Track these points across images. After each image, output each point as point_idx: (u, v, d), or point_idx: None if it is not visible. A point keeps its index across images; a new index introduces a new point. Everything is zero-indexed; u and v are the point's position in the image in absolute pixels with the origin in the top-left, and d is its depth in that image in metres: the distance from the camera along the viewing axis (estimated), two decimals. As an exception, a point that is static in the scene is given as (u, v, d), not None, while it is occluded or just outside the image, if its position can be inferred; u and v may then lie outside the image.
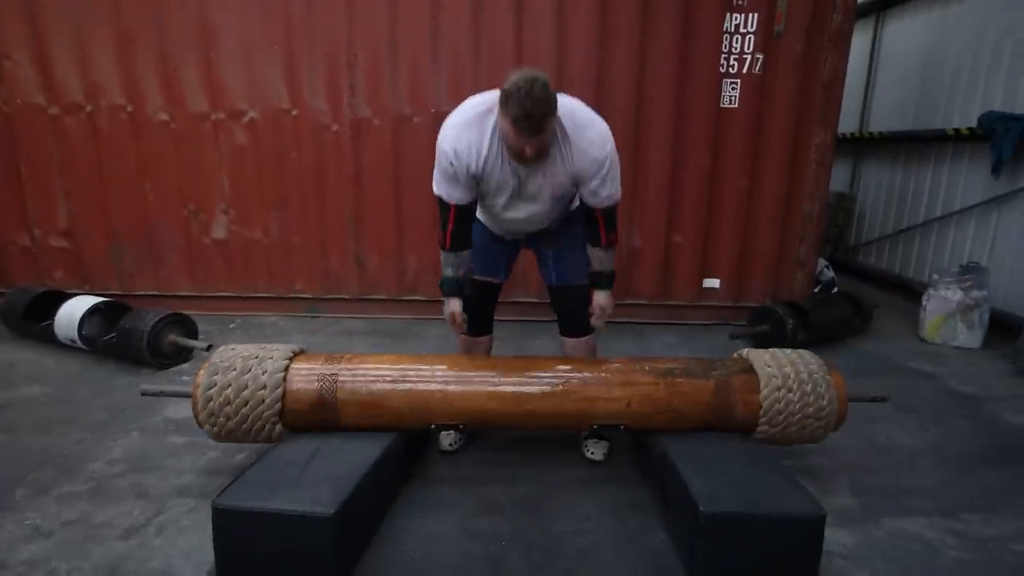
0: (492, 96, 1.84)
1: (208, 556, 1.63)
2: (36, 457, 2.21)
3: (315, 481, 1.65)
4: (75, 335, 3.11)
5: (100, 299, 3.22)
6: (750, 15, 3.52)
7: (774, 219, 3.79)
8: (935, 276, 3.76)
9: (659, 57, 3.58)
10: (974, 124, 3.96)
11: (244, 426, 1.94)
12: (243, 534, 1.56)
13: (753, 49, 3.57)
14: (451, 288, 2.08)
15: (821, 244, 4.16)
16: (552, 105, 1.69)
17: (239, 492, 1.61)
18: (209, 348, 3.04)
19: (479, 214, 2.19)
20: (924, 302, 3.73)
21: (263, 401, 1.91)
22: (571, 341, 2.32)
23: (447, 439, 2.29)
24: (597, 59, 3.57)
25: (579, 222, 2.15)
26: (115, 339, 3.04)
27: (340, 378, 1.98)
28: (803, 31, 3.54)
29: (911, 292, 4.50)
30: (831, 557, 1.73)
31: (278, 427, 1.96)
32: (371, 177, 3.77)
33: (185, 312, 3.29)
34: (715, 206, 3.79)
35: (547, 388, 2.01)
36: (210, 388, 1.92)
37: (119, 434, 2.41)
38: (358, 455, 1.81)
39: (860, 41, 5.36)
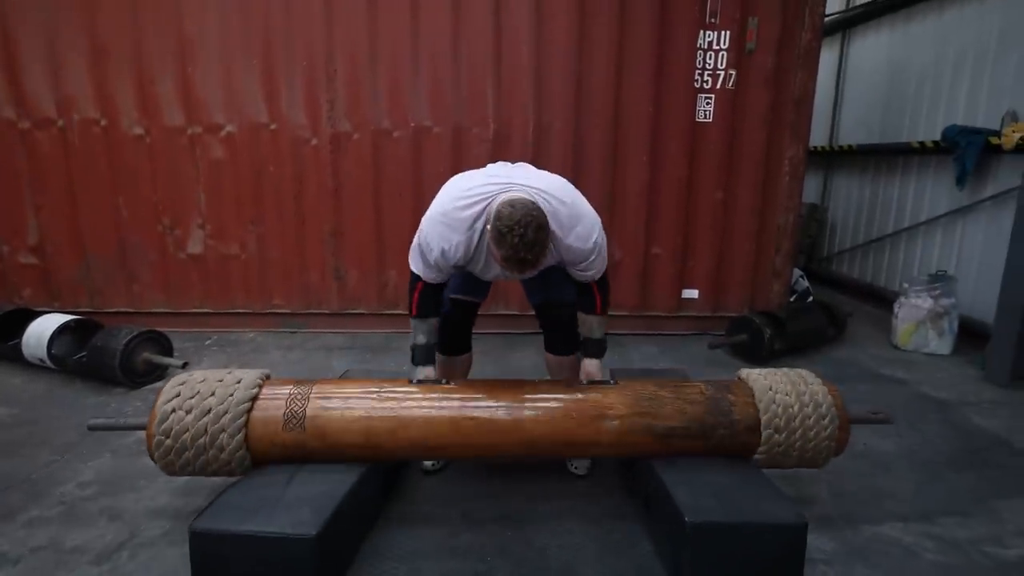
0: (478, 195, 1.81)
1: (184, 580, 1.59)
2: (2, 481, 2.13)
3: (295, 502, 1.62)
4: (44, 354, 3.02)
5: (70, 317, 3.14)
6: (722, 32, 3.62)
7: (750, 230, 3.86)
8: (905, 285, 3.87)
9: (635, 72, 3.65)
10: (938, 137, 4.11)
11: (202, 465, 1.79)
12: (221, 558, 1.53)
13: (726, 65, 3.66)
14: (422, 357, 2.05)
15: (795, 255, 4.25)
16: (545, 244, 1.70)
17: (217, 515, 1.57)
18: (185, 366, 2.98)
19: None
20: (896, 310, 3.83)
21: (224, 447, 1.76)
22: (555, 359, 2.31)
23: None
24: (575, 75, 3.63)
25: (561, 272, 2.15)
26: (86, 358, 2.96)
27: (308, 415, 1.82)
28: (773, 48, 3.64)
29: (883, 300, 4.61)
30: (814, 564, 1.75)
31: (245, 462, 1.81)
32: (351, 191, 3.75)
33: (160, 329, 3.22)
34: (692, 218, 3.85)
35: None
36: (165, 422, 1.76)
37: (90, 456, 2.33)
38: (338, 474, 1.78)
39: (828, 58, 5.53)
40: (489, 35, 3.57)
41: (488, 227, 1.75)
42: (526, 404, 1.90)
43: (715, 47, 3.64)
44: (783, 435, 1.88)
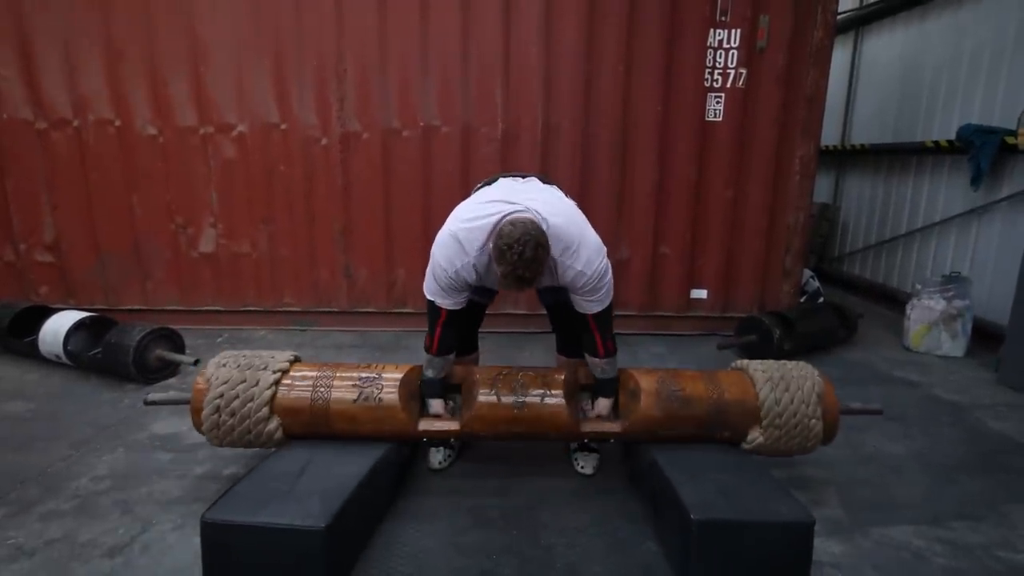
0: (486, 214, 1.86)
1: (195, 574, 1.61)
2: (19, 475, 2.17)
3: (305, 494, 1.64)
4: (60, 350, 3.07)
5: (85, 314, 3.19)
6: (733, 31, 3.60)
7: (759, 230, 3.84)
8: (918, 286, 3.83)
9: (645, 72, 3.64)
10: (953, 137, 4.06)
11: (241, 431, 1.97)
12: (232, 549, 1.55)
13: (736, 64, 3.64)
14: (434, 391, 2.11)
15: (806, 254, 4.21)
16: (543, 262, 1.76)
17: (228, 506, 1.59)
18: (197, 363, 3.02)
19: None
20: (908, 311, 3.79)
21: (258, 409, 1.95)
22: (567, 361, 2.30)
23: (436, 456, 2.27)
24: (584, 75, 3.62)
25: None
26: (100, 354, 3.01)
27: (334, 386, 2.00)
28: (785, 47, 3.61)
29: (895, 302, 4.56)
30: (821, 567, 1.74)
31: (277, 434, 1.97)
32: (360, 190, 3.78)
33: (172, 326, 3.26)
34: (701, 218, 3.84)
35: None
36: (214, 398, 1.96)
37: (104, 450, 2.37)
38: (348, 468, 1.80)
39: (840, 56, 5.48)
40: (498, 35, 3.58)
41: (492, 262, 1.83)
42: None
43: (725, 45, 3.62)
44: (782, 419, 1.96)
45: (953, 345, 3.63)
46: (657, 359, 3.54)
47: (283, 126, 3.71)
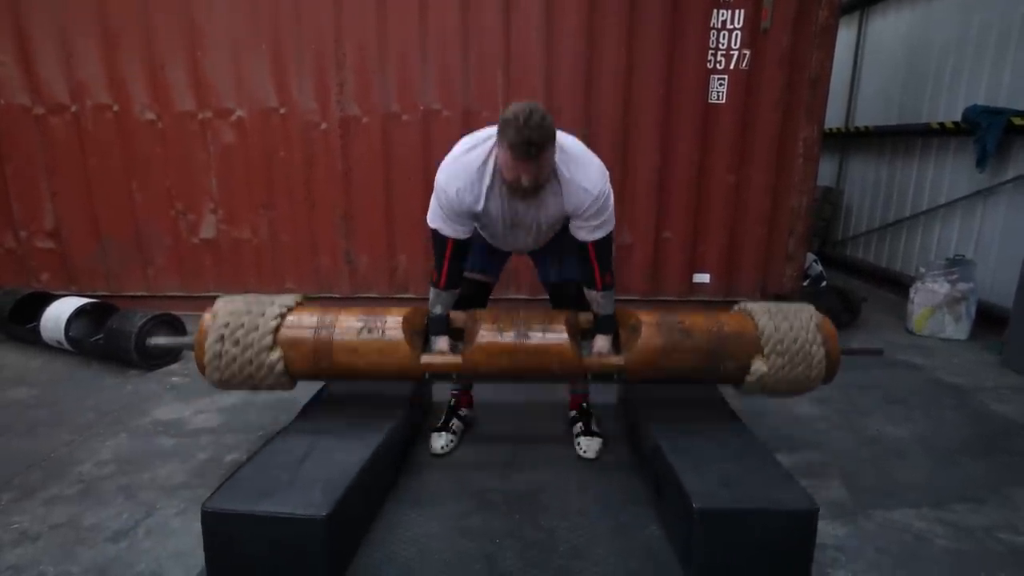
0: (487, 135, 1.86)
1: (198, 559, 1.62)
2: (23, 460, 2.18)
3: (306, 482, 1.64)
4: (62, 336, 3.07)
5: (87, 300, 3.19)
6: (736, 11, 3.54)
7: (762, 213, 3.81)
8: (922, 269, 3.81)
9: (646, 54, 3.59)
10: (958, 118, 4.01)
11: (242, 361, 1.93)
12: (233, 537, 1.55)
13: (740, 45, 3.58)
14: (439, 328, 2.09)
15: (809, 238, 4.18)
16: (550, 133, 1.69)
17: (229, 494, 1.59)
18: (198, 349, 3.02)
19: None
20: (912, 295, 3.77)
21: (262, 338, 1.92)
22: None
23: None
24: (585, 56, 3.57)
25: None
26: (102, 340, 3.01)
27: (339, 321, 2.00)
28: (789, 27, 3.56)
29: (899, 285, 4.54)
30: (824, 549, 1.75)
31: (278, 366, 1.94)
32: (360, 175, 3.75)
33: (174, 312, 3.26)
34: (704, 201, 3.80)
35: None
36: (216, 341, 1.92)
37: (107, 436, 2.38)
38: (349, 455, 1.80)
39: (845, 36, 5.41)
40: (499, 16, 3.52)
41: (497, 155, 1.80)
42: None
43: (729, 26, 3.56)
44: (783, 346, 1.94)
45: (957, 328, 3.62)
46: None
47: (282, 111, 3.67)
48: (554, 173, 1.84)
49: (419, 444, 2.31)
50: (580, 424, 2.33)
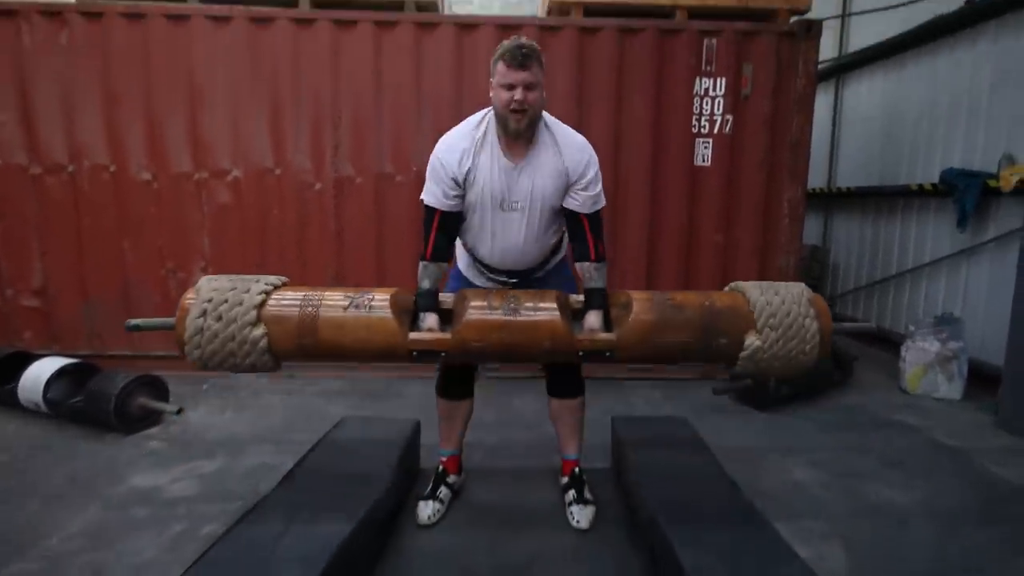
0: (483, 111, 2.01)
1: (165, 644, 1.52)
2: (-14, 534, 2.08)
3: (283, 560, 1.56)
4: (39, 399, 2.99)
5: (68, 361, 3.13)
6: (718, 79, 3.69)
7: (751, 272, 3.84)
8: (911, 327, 3.82)
9: (634, 118, 3.72)
10: (936, 180, 4.13)
11: (225, 337, 1.81)
12: (204, 620, 1.46)
13: (723, 111, 3.72)
14: (428, 303, 1.99)
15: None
16: (538, 50, 1.86)
17: (202, 574, 1.51)
18: (180, 412, 2.94)
19: (461, 264, 2.19)
20: (903, 353, 3.77)
21: (245, 312, 1.81)
22: (559, 403, 2.27)
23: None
24: (575, 117, 3.68)
25: (569, 282, 2.17)
26: (81, 402, 2.93)
27: (324, 297, 1.89)
28: (769, 94, 3.71)
29: (889, 343, 4.55)
30: (826, 627, 1.66)
31: (262, 342, 1.82)
32: (353, 235, 3.78)
33: (157, 373, 3.19)
34: (693, 260, 3.85)
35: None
36: (198, 316, 1.80)
37: (78, 506, 2.27)
38: (331, 529, 1.72)
39: (823, 101, 5.63)
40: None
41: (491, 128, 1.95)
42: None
43: (711, 93, 3.71)
44: (776, 319, 1.85)
45: (950, 387, 3.60)
46: (652, 405, 3.49)
47: (277, 171, 3.73)
48: (547, 128, 1.97)
49: (406, 512, 2.22)
50: (572, 491, 2.26)
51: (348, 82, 3.66)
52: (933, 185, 4.19)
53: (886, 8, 4.83)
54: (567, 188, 1.98)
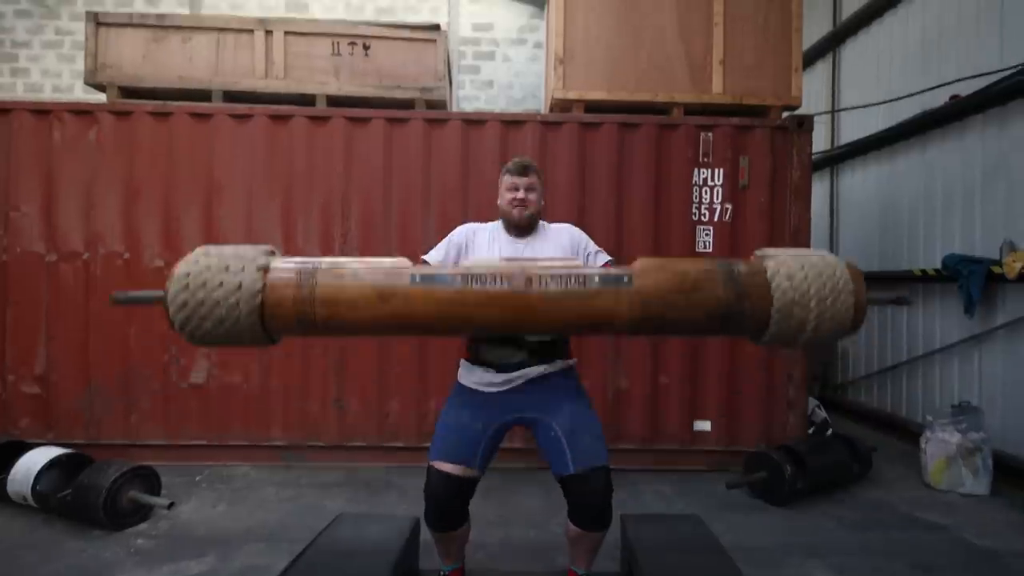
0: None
1: None
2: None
3: None
4: (28, 492, 2.89)
5: (61, 451, 3.05)
6: (716, 170, 3.82)
7: (759, 357, 3.79)
8: (929, 417, 3.71)
9: (635, 207, 3.82)
10: (939, 265, 4.15)
11: (221, 321, 1.56)
12: None
13: (721, 199, 3.82)
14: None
15: (809, 382, 4.13)
16: (536, 166, 2.22)
17: None
18: (171, 506, 2.83)
19: (465, 379, 2.11)
20: (923, 444, 3.63)
21: (241, 295, 1.57)
22: (581, 533, 1.98)
23: None
24: (578, 205, 3.79)
25: (583, 396, 2.11)
26: (71, 496, 2.82)
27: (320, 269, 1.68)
28: (766, 184, 3.82)
29: (906, 432, 4.40)
30: None
31: (257, 284, 1.57)
32: (357, 320, 3.79)
33: (151, 463, 3.10)
34: (699, 345, 3.81)
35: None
36: (184, 289, 1.57)
37: (53, 614, 2.14)
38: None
39: (819, 190, 5.80)
40: (496, 169, 3.75)
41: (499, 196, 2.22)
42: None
43: (710, 183, 3.83)
44: (797, 295, 1.56)
45: (976, 482, 3.43)
46: (663, 500, 3.33)
47: (286, 258, 3.80)
48: (544, 225, 2.24)
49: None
50: (581, 604, 2.09)
51: (359, 173, 3.82)
52: (936, 270, 4.20)
53: (871, 105, 5.05)
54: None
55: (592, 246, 2.21)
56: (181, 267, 1.64)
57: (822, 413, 4.20)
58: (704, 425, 3.79)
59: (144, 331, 3.77)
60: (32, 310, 3.77)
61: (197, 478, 3.51)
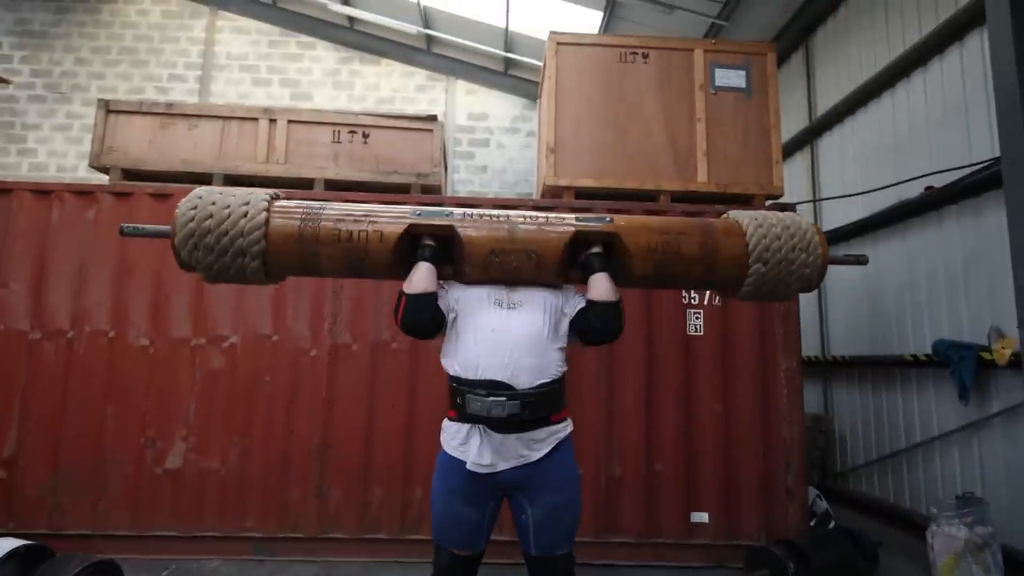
0: None
1: None
2: None
3: None
4: (-24, 590, 2.68)
5: (20, 542, 2.85)
6: (704, 256, 3.89)
7: (754, 445, 3.70)
8: (933, 510, 3.56)
9: (625, 291, 3.81)
10: (929, 350, 4.15)
11: (219, 216, 1.94)
12: None
13: (711, 284, 3.86)
14: (426, 255, 2.09)
15: (808, 471, 4.01)
16: None
17: None
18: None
19: (450, 446, 2.06)
20: (929, 539, 3.46)
21: (243, 232, 1.94)
22: None
23: None
24: (568, 292, 3.82)
25: (570, 478, 2.05)
26: (23, 595, 2.62)
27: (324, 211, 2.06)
28: (754, 270, 3.88)
29: (911, 524, 4.22)
30: None
31: (259, 216, 1.95)
32: (343, 403, 3.71)
33: (115, 557, 2.90)
34: (693, 432, 3.72)
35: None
36: (190, 222, 1.93)
37: None
38: None
39: (808, 274, 5.86)
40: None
41: None
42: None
43: (699, 269, 3.88)
44: (769, 253, 2.11)
45: (988, 581, 3.25)
46: (660, 599, 3.13)
47: (275, 338, 3.77)
48: None
49: None
50: None
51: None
52: (927, 355, 4.20)
53: (848, 196, 5.24)
54: (563, 306, 2.11)
55: (578, 296, 2.18)
56: (184, 202, 2.00)
57: (823, 504, 4.05)
58: (702, 516, 3.63)
59: (121, 411, 3.65)
60: (8, 389, 3.66)
61: (163, 573, 3.28)
